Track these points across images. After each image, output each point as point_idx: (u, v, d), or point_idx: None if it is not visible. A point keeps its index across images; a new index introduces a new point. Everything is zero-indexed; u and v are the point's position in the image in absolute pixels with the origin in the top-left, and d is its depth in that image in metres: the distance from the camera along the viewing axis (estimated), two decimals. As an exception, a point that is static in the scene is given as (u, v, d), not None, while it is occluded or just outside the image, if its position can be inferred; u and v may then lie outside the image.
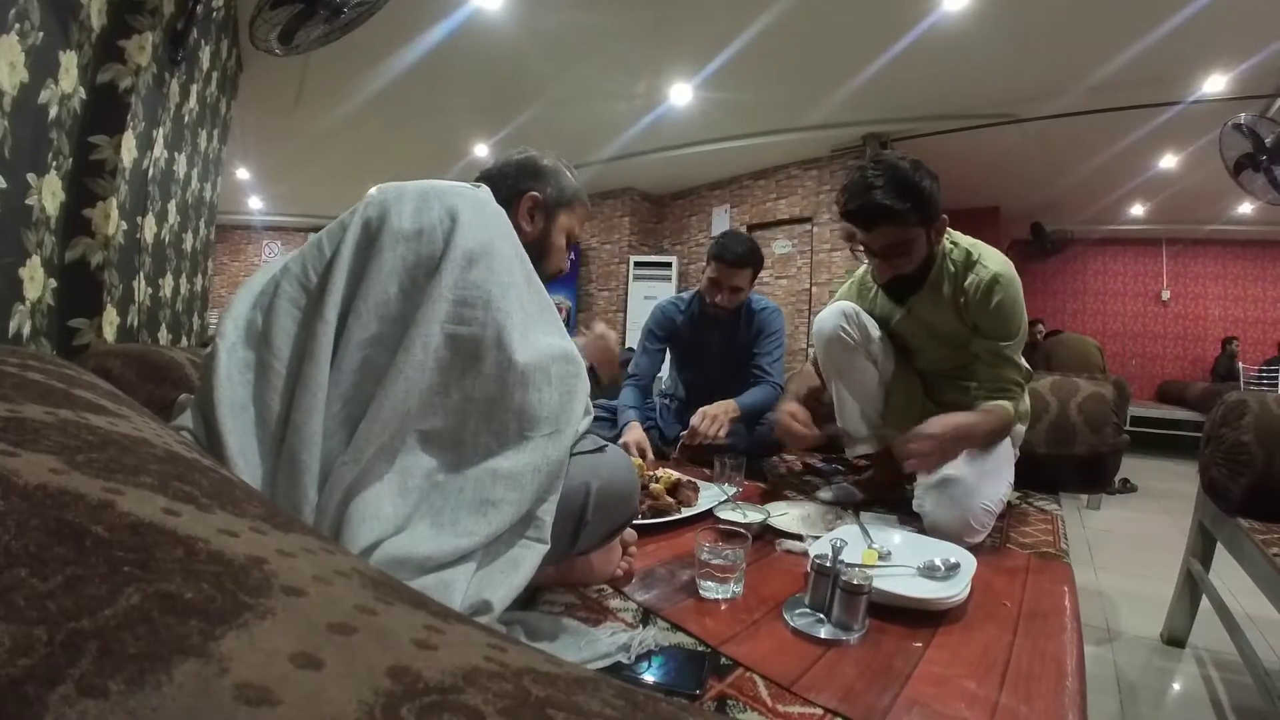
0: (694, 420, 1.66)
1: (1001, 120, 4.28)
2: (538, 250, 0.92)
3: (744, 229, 5.88)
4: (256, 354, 0.65)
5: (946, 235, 1.31)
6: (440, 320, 0.65)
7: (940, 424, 1.13)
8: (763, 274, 5.77)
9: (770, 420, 1.82)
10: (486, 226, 0.71)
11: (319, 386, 0.62)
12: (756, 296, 1.99)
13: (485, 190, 0.81)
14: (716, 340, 1.96)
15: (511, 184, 0.92)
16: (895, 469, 1.48)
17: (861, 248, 1.27)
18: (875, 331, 1.40)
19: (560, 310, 7.51)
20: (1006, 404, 1.24)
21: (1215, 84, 3.61)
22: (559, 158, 0.97)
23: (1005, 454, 1.29)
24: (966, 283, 1.26)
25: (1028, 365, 1.41)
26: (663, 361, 2.10)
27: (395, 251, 0.66)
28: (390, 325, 0.65)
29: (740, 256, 1.82)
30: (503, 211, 0.77)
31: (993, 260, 1.26)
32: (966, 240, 1.32)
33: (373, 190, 0.72)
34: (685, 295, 2.04)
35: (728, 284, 1.83)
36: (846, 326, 1.38)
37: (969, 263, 1.27)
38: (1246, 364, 6.24)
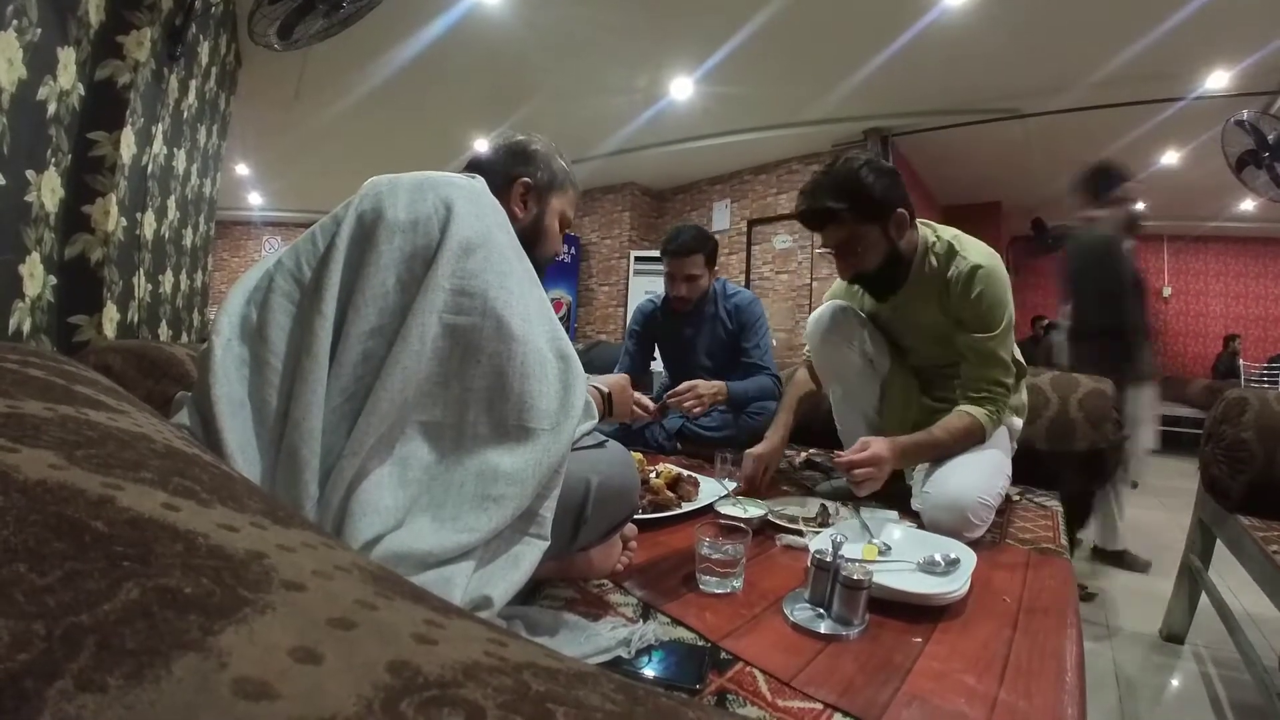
0: (684, 385, 1.69)
1: (1003, 115, 4.27)
2: (532, 235, 0.92)
3: (744, 224, 5.88)
4: (252, 350, 0.65)
5: (930, 228, 1.31)
6: (438, 310, 0.65)
7: (881, 445, 1.16)
8: (763, 269, 5.83)
9: (765, 411, 1.83)
10: (483, 217, 0.70)
11: (317, 381, 0.62)
12: (732, 287, 2.01)
13: (480, 181, 0.80)
14: (696, 334, 1.98)
15: (502, 171, 0.92)
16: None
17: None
18: (870, 331, 1.40)
19: (560, 306, 7.44)
20: (978, 411, 1.23)
21: (1218, 80, 3.61)
22: (548, 141, 0.97)
23: (1003, 449, 1.29)
24: (949, 274, 1.26)
25: (1022, 359, 1.40)
26: (648, 359, 2.12)
27: (391, 243, 0.66)
28: (389, 317, 0.65)
29: (684, 244, 1.85)
30: (498, 203, 0.77)
31: (974, 251, 1.26)
32: (949, 232, 1.31)
33: (366, 182, 0.72)
34: (661, 293, 2.06)
35: (681, 275, 1.87)
36: (840, 325, 1.38)
37: (950, 254, 1.27)
38: (1247, 361, 6.23)
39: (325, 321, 0.63)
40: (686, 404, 1.65)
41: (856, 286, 1.45)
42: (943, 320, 1.29)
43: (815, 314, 1.44)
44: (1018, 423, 1.42)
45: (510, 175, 0.91)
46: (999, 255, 1.27)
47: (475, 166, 0.92)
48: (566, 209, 0.97)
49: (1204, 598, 1.58)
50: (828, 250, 1.30)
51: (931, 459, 1.23)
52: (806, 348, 1.54)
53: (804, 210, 1.25)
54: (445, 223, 0.67)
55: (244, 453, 0.60)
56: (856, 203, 1.21)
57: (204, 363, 0.64)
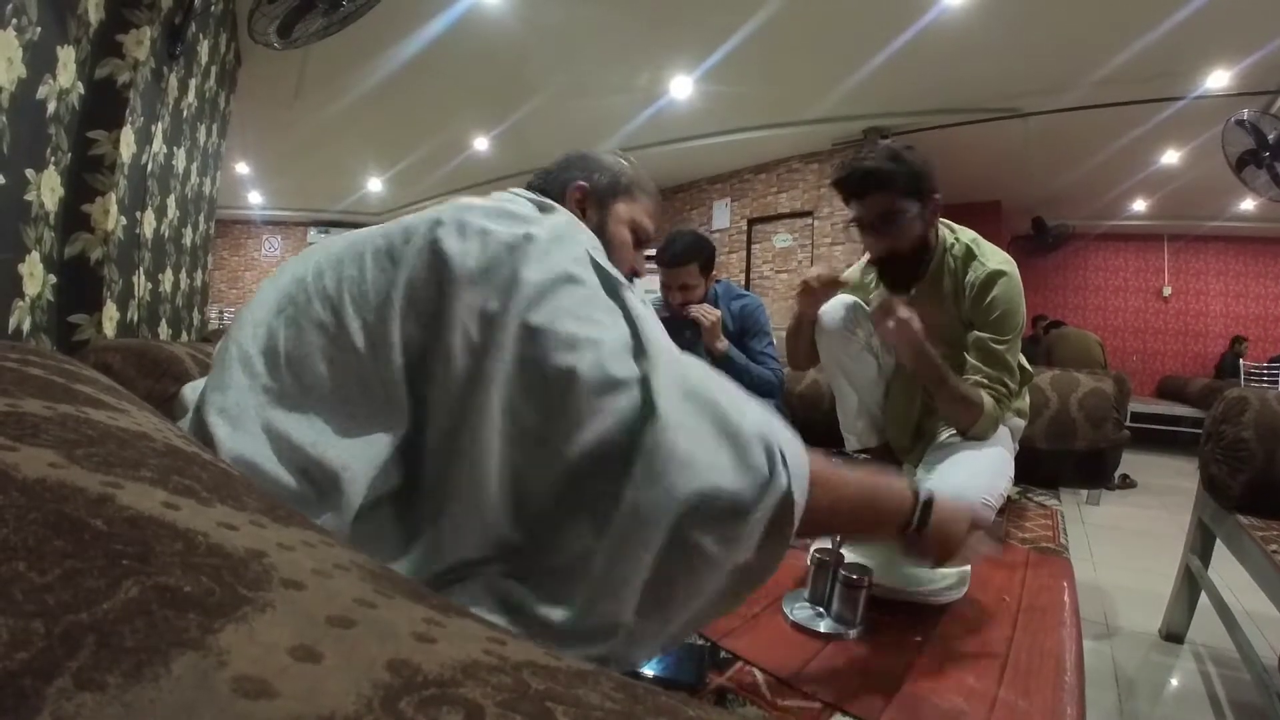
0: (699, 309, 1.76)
1: (1004, 115, 4.27)
2: None
3: (744, 223, 5.87)
4: (279, 383, 0.53)
5: (949, 230, 1.30)
6: (508, 377, 0.51)
7: (917, 323, 1.15)
8: (763, 268, 5.83)
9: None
10: (559, 251, 0.56)
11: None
12: (737, 290, 1.99)
13: (562, 213, 0.62)
14: (697, 336, 1.97)
15: (558, 183, 0.83)
16: (895, 463, 1.48)
17: (857, 227, 1.26)
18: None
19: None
20: (983, 393, 1.21)
21: (1218, 80, 3.60)
22: (620, 154, 0.88)
23: (1005, 449, 1.29)
24: (967, 278, 1.25)
25: (1028, 365, 1.40)
26: None
27: (460, 301, 0.52)
28: (461, 384, 0.52)
29: (677, 255, 1.82)
30: (586, 231, 0.62)
31: (994, 256, 1.26)
32: (968, 235, 1.31)
33: (435, 211, 0.58)
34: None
35: (675, 284, 1.84)
36: (848, 319, 1.38)
37: (969, 257, 1.26)
38: (1247, 360, 6.24)
39: (396, 388, 0.53)
40: (701, 311, 1.74)
41: (869, 280, 1.45)
42: (955, 321, 1.29)
43: (825, 307, 1.41)
44: (1020, 423, 1.41)
45: (564, 181, 0.82)
46: (1014, 261, 1.27)
47: (537, 180, 0.84)
48: (639, 217, 0.83)
49: (1203, 597, 1.58)
50: (856, 224, 1.25)
51: (933, 384, 1.21)
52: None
53: (852, 173, 1.19)
54: (516, 269, 0.53)
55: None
56: (907, 171, 1.18)
57: (217, 367, 0.55)
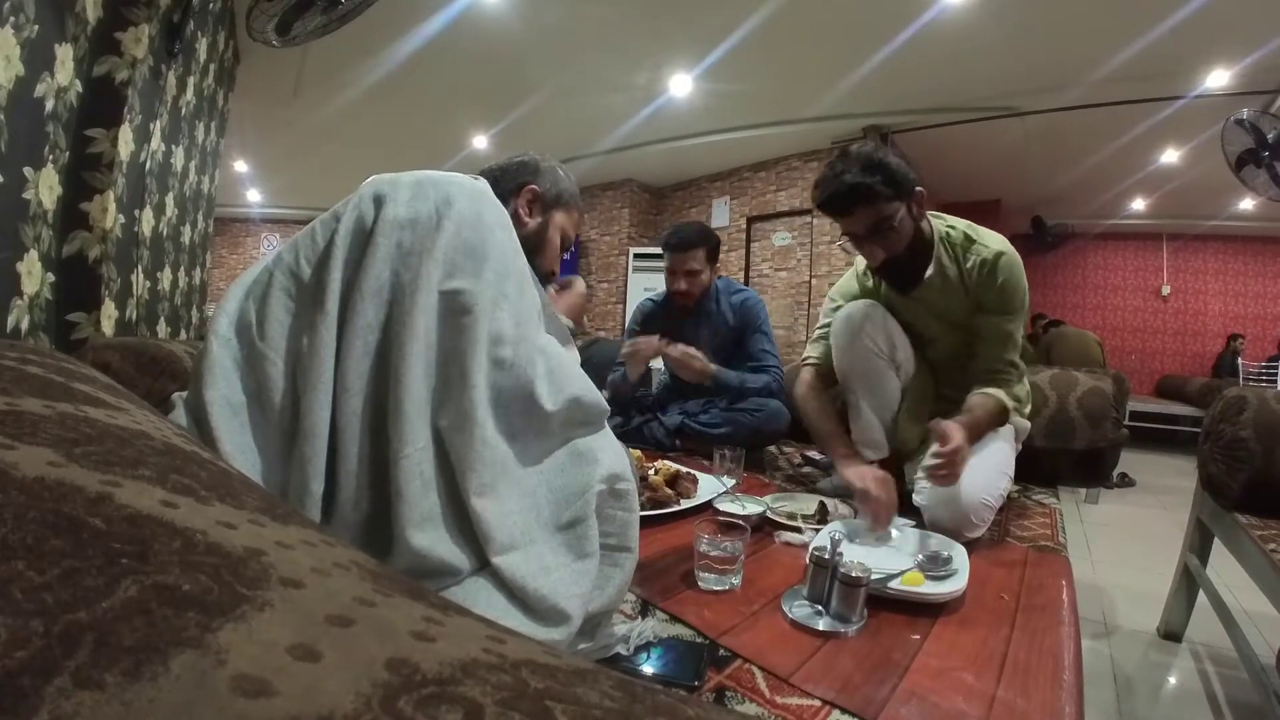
0: (678, 349, 1.77)
1: (1003, 113, 4.26)
2: (534, 244, 0.94)
3: (744, 221, 5.88)
4: (251, 347, 0.64)
5: (941, 219, 1.32)
6: (434, 309, 0.64)
7: (960, 432, 1.09)
8: (762, 266, 5.83)
9: (765, 408, 1.81)
10: (483, 214, 0.70)
11: (318, 378, 0.61)
12: (735, 285, 2.00)
13: (483, 182, 0.80)
14: (697, 332, 1.97)
15: (512, 178, 0.96)
16: (894, 461, 1.48)
17: (849, 240, 1.26)
18: (899, 336, 1.37)
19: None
20: (996, 391, 1.25)
21: (1218, 79, 3.60)
22: (560, 164, 1.02)
23: (1007, 449, 1.29)
24: (968, 263, 1.28)
25: (1029, 347, 1.41)
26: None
27: (390, 239, 0.65)
28: (386, 310, 0.64)
29: (685, 239, 1.86)
30: (500, 203, 0.76)
31: (992, 239, 1.29)
32: (962, 223, 1.33)
33: (367, 180, 0.72)
34: (663, 291, 2.05)
35: (681, 269, 1.87)
36: (875, 338, 1.34)
37: (968, 242, 1.29)
38: (1247, 360, 6.24)
39: (328, 319, 0.63)
40: (677, 353, 1.75)
41: (871, 284, 1.44)
42: (962, 304, 1.31)
43: (844, 313, 1.38)
44: (1025, 425, 1.41)
45: (519, 182, 0.95)
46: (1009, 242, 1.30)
47: (486, 174, 0.95)
48: (568, 228, 1.00)
49: (1201, 596, 1.58)
50: (848, 239, 1.26)
51: (975, 440, 1.19)
52: (812, 354, 1.50)
53: (834, 192, 1.19)
54: (442, 219, 0.66)
55: (242, 454, 0.60)
56: (887, 178, 1.17)
57: (199, 363, 0.64)
